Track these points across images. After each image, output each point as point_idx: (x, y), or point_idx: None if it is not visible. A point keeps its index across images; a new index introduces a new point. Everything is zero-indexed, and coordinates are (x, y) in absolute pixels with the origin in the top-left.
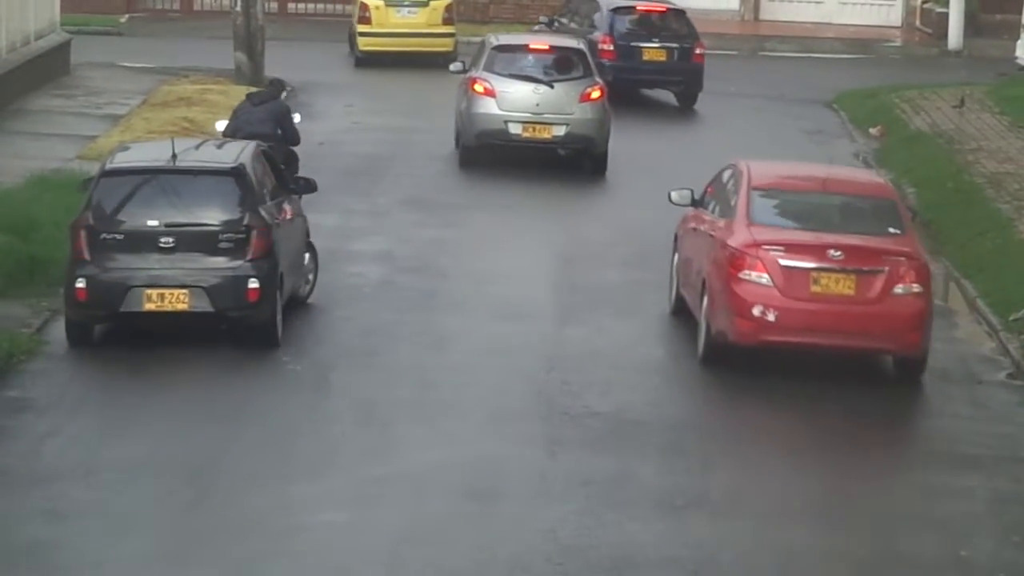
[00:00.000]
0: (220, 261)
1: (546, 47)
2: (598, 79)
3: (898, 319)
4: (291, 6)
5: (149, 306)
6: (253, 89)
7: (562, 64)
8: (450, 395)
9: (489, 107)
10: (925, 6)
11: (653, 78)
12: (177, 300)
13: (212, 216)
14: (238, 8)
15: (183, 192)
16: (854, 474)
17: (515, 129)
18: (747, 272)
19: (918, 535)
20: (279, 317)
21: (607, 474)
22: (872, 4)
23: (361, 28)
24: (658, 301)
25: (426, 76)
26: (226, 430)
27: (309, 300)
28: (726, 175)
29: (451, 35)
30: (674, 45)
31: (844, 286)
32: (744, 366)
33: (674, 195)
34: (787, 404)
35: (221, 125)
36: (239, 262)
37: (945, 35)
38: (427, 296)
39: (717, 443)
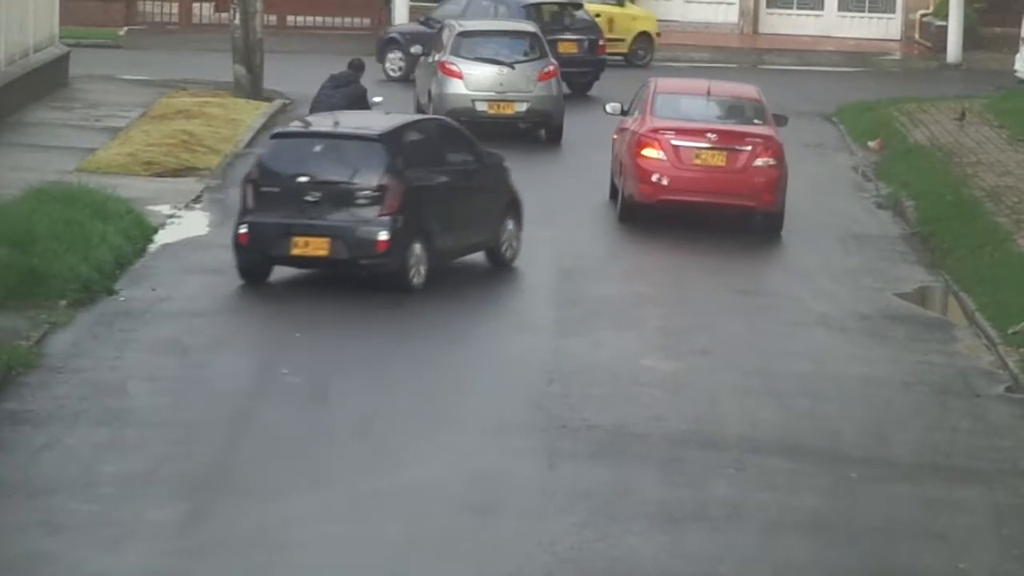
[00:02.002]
0: (357, 214)
1: (506, 31)
2: (552, 60)
3: (757, 183)
4: (290, 19)
5: (295, 251)
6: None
7: (521, 47)
8: (449, 408)
9: (458, 88)
10: (924, 19)
11: (566, 69)
12: (319, 247)
13: (354, 175)
14: (237, 21)
15: (334, 154)
16: (853, 487)
17: (482, 107)
18: (648, 150)
19: (917, 548)
20: (415, 268)
21: (607, 487)
22: (871, 17)
23: None
24: (658, 314)
25: None
26: (224, 443)
27: (514, 264)
28: (642, 89)
29: None
30: (583, 38)
31: (718, 159)
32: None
33: (608, 107)
34: (795, 419)
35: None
36: (373, 216)
37: (944, 48)
38: (426, 307)
39: (717, 456)
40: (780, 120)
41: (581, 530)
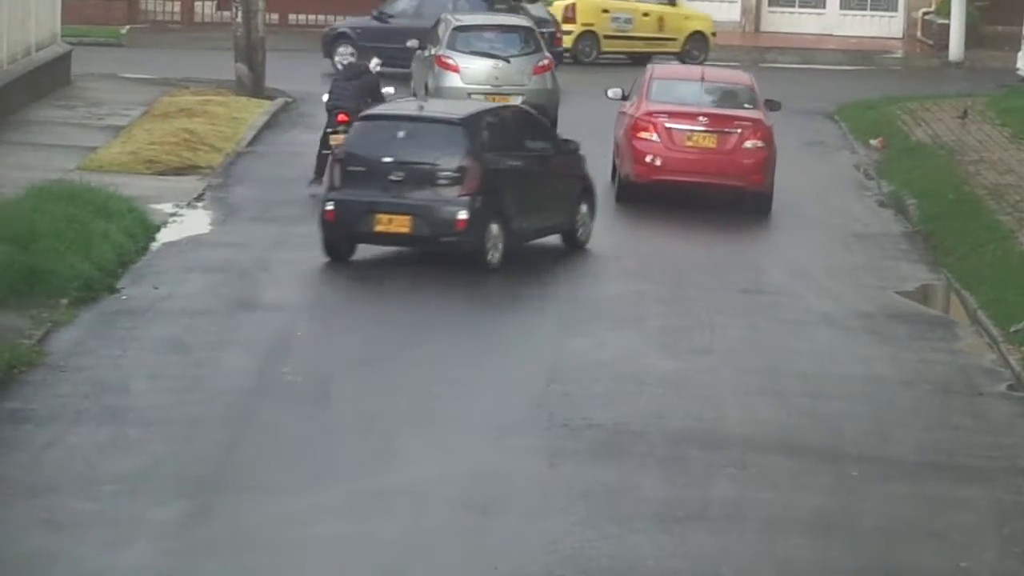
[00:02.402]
0: (438, 194)
1: (501, 25)
2: (547, 54)
3: (746, 164)
4: (292, 17)
5: (379, 228)
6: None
7: (516, 41)
8: (450, 407)
9: (454, 81)
10: (926, 17)
11: None
12: (401, 224)
13: (436, 157)
14: (239, 19)
15: (418, 136)
16: (853, 486)
17: (478, 100)
18: (643, 132)
19: (918, 546)
20: (493, 246)
21: (608, 486)
22: (873, 16)
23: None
24: (660, 313)
25: None
26: (225, 441)
27: (587, 246)
28: (641, 75)
29: (569, 32)
30: (543, 31)
31: (708, 141)
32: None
33: (609, 92)
34: (796, 418)
35: (326, 97)
36: (453, 196)
37: (946, 46)
38: (427, 306)
39: (718, 455)
40: (773, 105)
41: (582, 529)
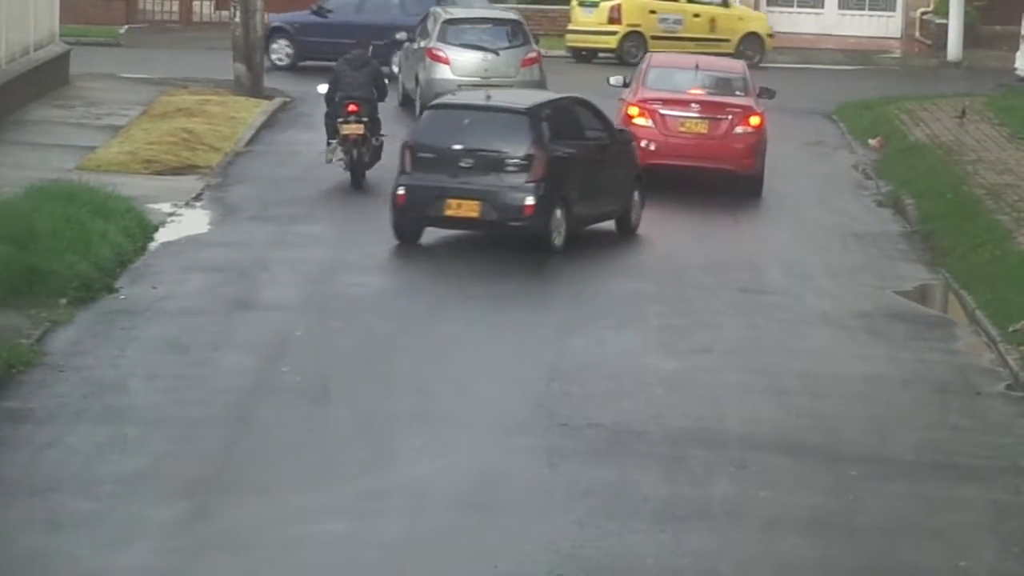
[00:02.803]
0: (506, 180)
1: (490, 19)
2: (535, 46)
3: (737, 149)
4: None
5: (449, 212)
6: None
7: (505, 34)
8: (450, 406)
9: (445, 73)
10: (925, 17)
11: None
12: (471, 209)
13: (504, 145)
14: (237, 19)
15: (486, 125)
16: (852, 486)
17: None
18: (638, 118)
19: (917, 546)
20: (557, 231)
21: (608, 485)
22: (872, 15)
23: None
24: (659, 312)
25: None
26: (225, 441)
27: (638, 231)
28: (640, 63)
29: (614, 33)
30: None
31: (700, 127)
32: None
33: (611, 80)
34: (796, 418)
35: (323, 88)
36: (520, 182)
37: (944, 46)
38: (427, 306)
39: (718, 454)
40: (768, 94)
41: (582, 528)
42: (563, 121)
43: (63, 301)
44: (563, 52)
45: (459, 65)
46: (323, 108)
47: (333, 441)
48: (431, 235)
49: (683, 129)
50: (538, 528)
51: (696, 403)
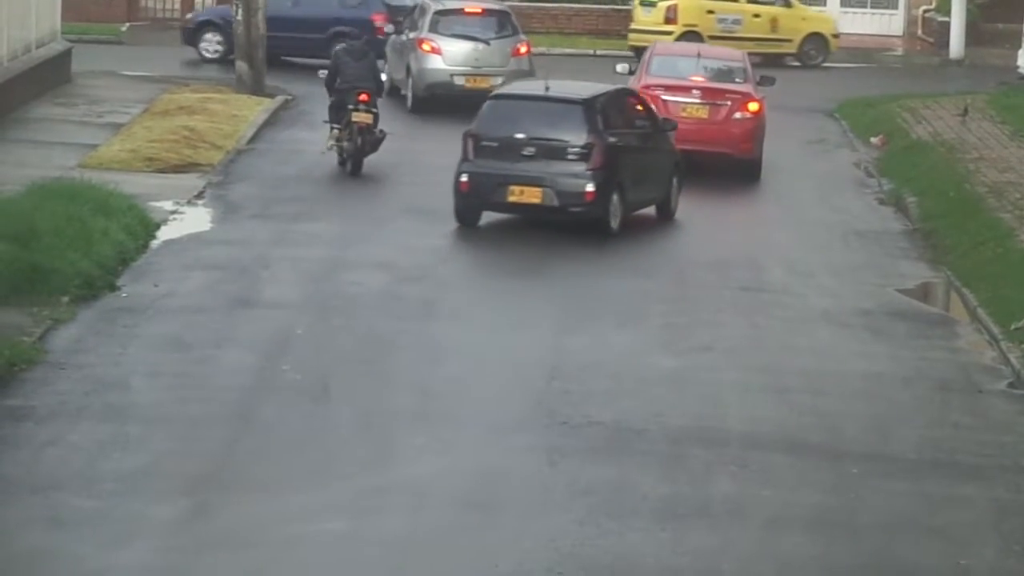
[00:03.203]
0: (567, 168)
1: (479, 10)
2: (523, 37)
3: (736, 133)
4: None
5: (511, 198)
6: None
7: (494, 24)
8: (450, 404)
9: (437, 63)
10: (927, 15)
11: None
12: (533, 195)
13: (564, 134)
14: (239, 17)
15: (546, 115)
16: (853, 484)
17: (459, 81)
18: None
19: (918, 544)
20: (615, 216)
21: (608, 484)
22: (874, 13)
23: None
24: (660, 310)
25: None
26: (226, 439)
27: (676, 216)
28: (646, 52)
29: (670, 33)
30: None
31: (701, 112)
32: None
33: (618, 67)
34: (797, 416)
35: (323, 73)
36: (581, 170)
37: (946, 44)
38: (427, 305)
39: (718, 452)
40: (768, 81)
41: (582, 527)
42: (615, 111)
43: (65, 299)
44: (568, 50)
45: (451, 55)
46: (326, 106)
47: (334, 439)
48: (433, 236)
49: (684, 114)
50: (538, 526)
51: (697, 401)
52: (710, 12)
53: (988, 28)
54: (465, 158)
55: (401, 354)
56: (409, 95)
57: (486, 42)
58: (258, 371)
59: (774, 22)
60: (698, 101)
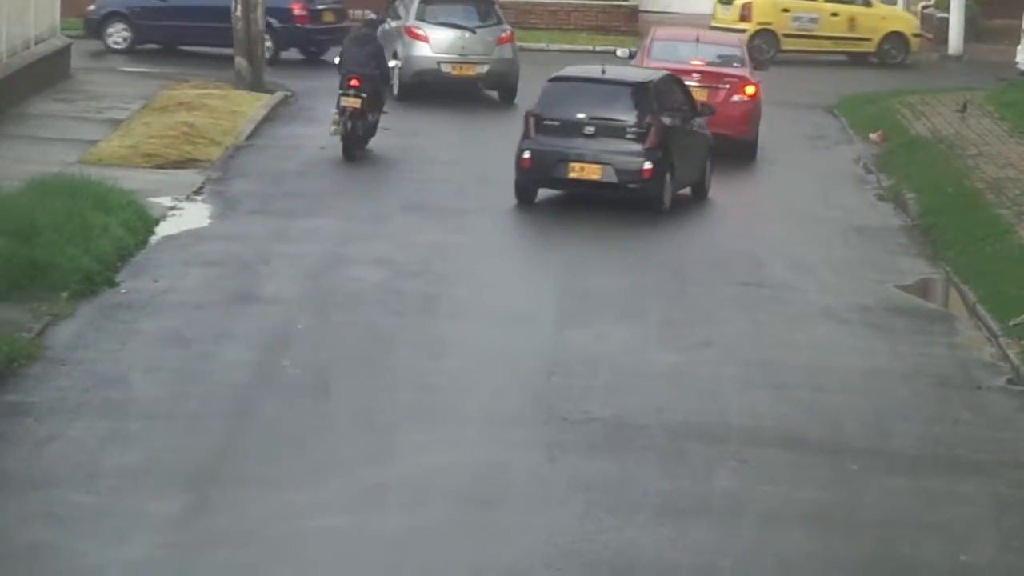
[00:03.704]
0: (626, 147)
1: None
2: (507, 26)
3: (733, 115)
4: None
5: (572, 174)
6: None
7: (479, 13)
8: (450, 400)
9: (424, 50)
10: (926, 11)
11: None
12: (592, 172)
13: (623, 115)
14: (238, 13)
15: (605, 96)
16: (853, 480)
17: (446, 68)
18: None
19: (918, 540)
20: (668, 193)
21: (607, 479)
22: None
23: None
24: (659, 306)
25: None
26: (226, 434)
27: (709, 195)
28: (646, 37)
29: (743, 31)
30: (338, 6)
31: (700, 95)
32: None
33: (619, 52)
34: (796, 412)
35: (336, 59)
36: (639, 149)
37: (946, 40)
38: (427, 301)
39: (718, 448)
40: (761, 65)
41: (582, 522)
42: (666, 94)
43: (64, 295)
44: (567, 46)
45: (437, 42)
46: (325, 102)
47: (333, 435)
48: (432, 232)
49: None
50: (538, 522)
51: (696, 397)
52: (785, 10)
53: (987, 24)
54: (527, 136)
55: (401, 350)
56: (396, 82)
57: (472, 30)
58: (258, 367)
59: (852, 21)
60: (697, 84)
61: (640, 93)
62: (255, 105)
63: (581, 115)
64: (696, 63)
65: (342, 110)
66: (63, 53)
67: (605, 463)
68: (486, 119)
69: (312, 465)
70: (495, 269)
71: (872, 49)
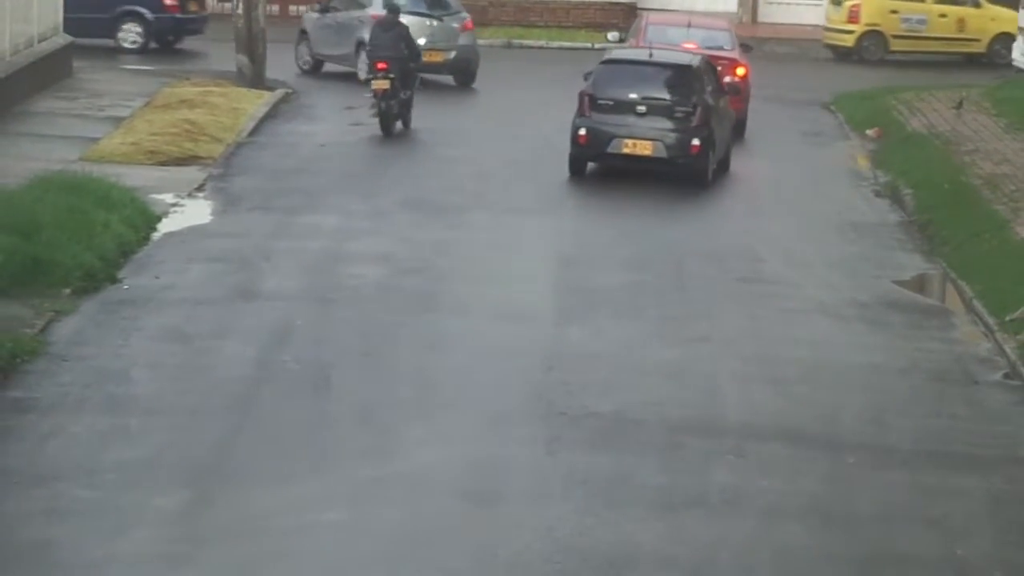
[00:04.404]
0: (675, 125)
1: None
2: (466, 14)
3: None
4: (292, 8)
5: (625, 150)
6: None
7: (441, 2)
8: (449, 396)
9: None
10: None
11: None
12: (644, 148)
13: (671, 95)
14: (239, 11)
15: (653, 77)
16: (850, 474)
17: None
18: None
19: (915, 534)
20: (711, 167)
21: (606, 474)
22: None
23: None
24: (658, 301)
25: (429, 81)
26: (227, 430)
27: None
28: (637, 20)
29: (851, 32)
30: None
31: None
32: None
33: (609, 35)
34: (794, 406)
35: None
36: (687, 127)
37: None
38: (426, 297)
39: (716, 443)
40: (747, 48)
41: (580, 517)
42: (706, 75)
43: (67, 291)
44: (566, 43)
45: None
46: (326, 99)
47: (334, 430)
48: (432, 228)
49: None
50: (536, 516)
51: (694, 392)
52: (894, 12)
53: None
54: (582, 114)
55: (401, 345)
56: (363, 69)
57: (438, 18)
58: (259, 362)
59: (961, 22)
60: None
61: (686, 74)
62: (256, 102)
63: (633, 95)
64: (688, 46)
65: (374, 93)
66: (65, 51)
67: (604, 458)
68: (483, 116)
69: (312, 460)
70: (494, 265)
71: (982, 50)
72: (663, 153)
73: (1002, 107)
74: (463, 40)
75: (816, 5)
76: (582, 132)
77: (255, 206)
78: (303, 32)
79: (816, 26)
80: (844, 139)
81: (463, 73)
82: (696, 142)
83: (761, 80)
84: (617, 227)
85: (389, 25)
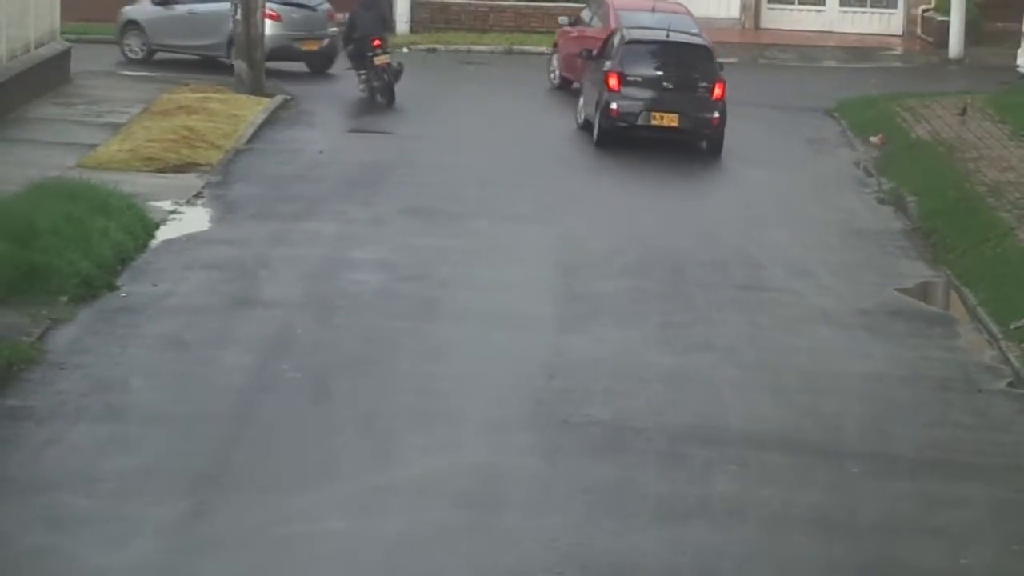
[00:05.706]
0: (698, 99)
1: None
2: (329, 5)
3: None
4: None
5: (654, 122)
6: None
7: None
8: (450, 403)
9: (278, 29)
10: (926, 14)
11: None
12: (671, 120)
13: (695, 71)
14: (238, 17)
15: (675, 55)
16: (853, 483)
17: (297, 45)
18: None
19: (918, 543)
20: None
21: (607, 482)
22: (873, 12)
23: None
24: (659, 309)
25: (429, 81)
26: (225, 438)
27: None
28: (600, 7)
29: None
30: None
31: None
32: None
33: (560, 19)
34: (796, 415)
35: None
36: (709, 100)
37: (946, 43)
38: (427, 304)
39: (718, 451)
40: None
41: (582, 526)
42: (713, 55)
43: (64, 299)
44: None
45: (289, 21)
46: (325, 106)
47: (333, 439)
48: (431, 236)
49: None
50: (538, 525)
51: (696, 400)
52: None
53: (987, 27)
54: (612, 90)
55: (401, 353)
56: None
57: (313, 8)
58: (258, 371)
59: None
60: None
61: (703, 53)
62: (255, 109)
63: (659, 72)
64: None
65: (374, 67)
66: (63, 57)
67: (605, 466)
68: (483, 123)
69: (312, 469)
70: (494, 272)
71: None
72: (687, 125)
73: (1006, 114)
74: (333, 28)
75: (818, 11)
76: (613, 106)
77: (254, 213)
78: (132, 23)
79: (819, 32)
80: (847, 146)
81: (329, 61)
82: (716, 115)
83: (763, 86)
84: (619, 233)
85: (369, 5)
